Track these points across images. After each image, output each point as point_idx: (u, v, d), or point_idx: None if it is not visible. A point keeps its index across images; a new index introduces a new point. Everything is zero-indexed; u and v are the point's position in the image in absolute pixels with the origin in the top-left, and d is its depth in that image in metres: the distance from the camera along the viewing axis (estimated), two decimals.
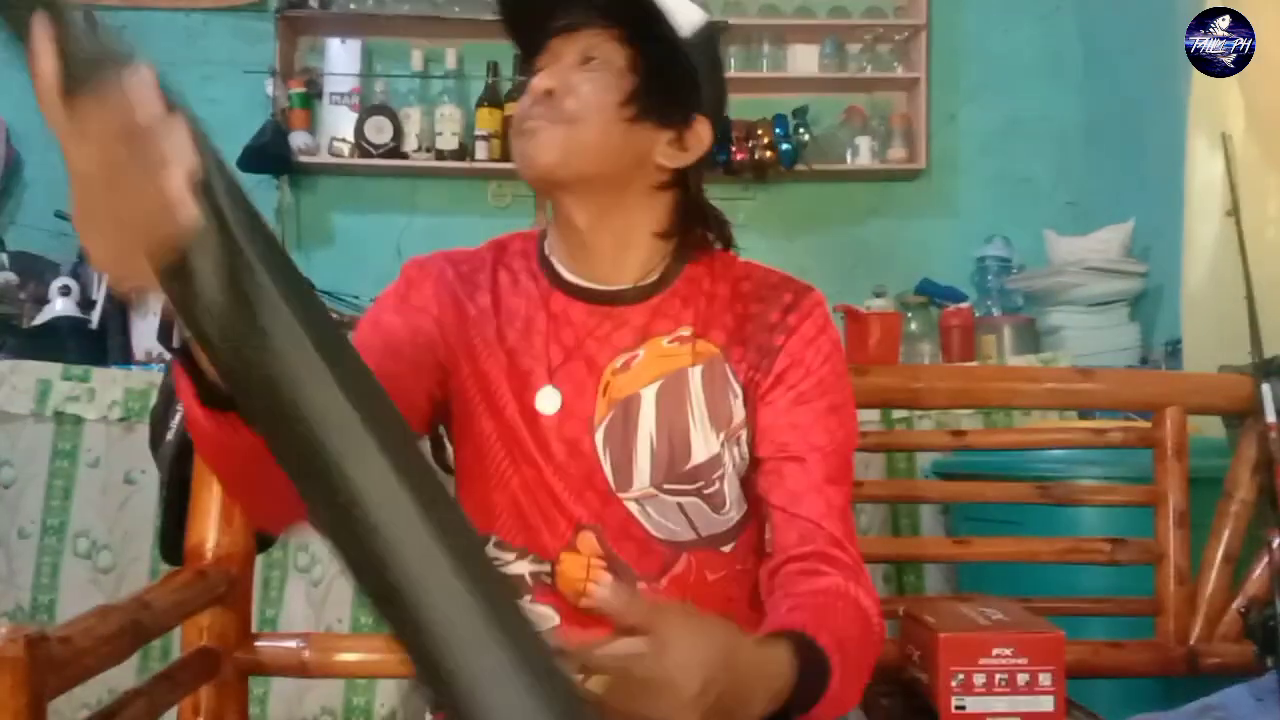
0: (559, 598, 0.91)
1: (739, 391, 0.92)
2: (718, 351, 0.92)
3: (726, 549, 0.93)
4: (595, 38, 0.89)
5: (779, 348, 0.92)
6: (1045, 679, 0.99)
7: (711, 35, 0.92)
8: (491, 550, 0.92)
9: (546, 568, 0.91)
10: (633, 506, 0.90)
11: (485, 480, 0.92)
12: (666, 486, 0.90)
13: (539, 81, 0.88)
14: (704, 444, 0.91)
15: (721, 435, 0.91)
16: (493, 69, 2.81)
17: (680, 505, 0.91)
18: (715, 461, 0.91)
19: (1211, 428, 1.43)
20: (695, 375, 0.91)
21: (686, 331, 0.93)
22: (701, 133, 0.91)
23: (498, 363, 0.92)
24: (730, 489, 0.92)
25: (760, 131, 2.76)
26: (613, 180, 0.90)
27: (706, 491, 0.91)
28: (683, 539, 0.91)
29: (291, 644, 1.19)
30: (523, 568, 0.92)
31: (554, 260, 0.95)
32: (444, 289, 0.94)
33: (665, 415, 0.91)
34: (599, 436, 0.90)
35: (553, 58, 0.90)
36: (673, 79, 0.89)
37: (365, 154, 2.75)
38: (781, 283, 0.96)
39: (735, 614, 0.91)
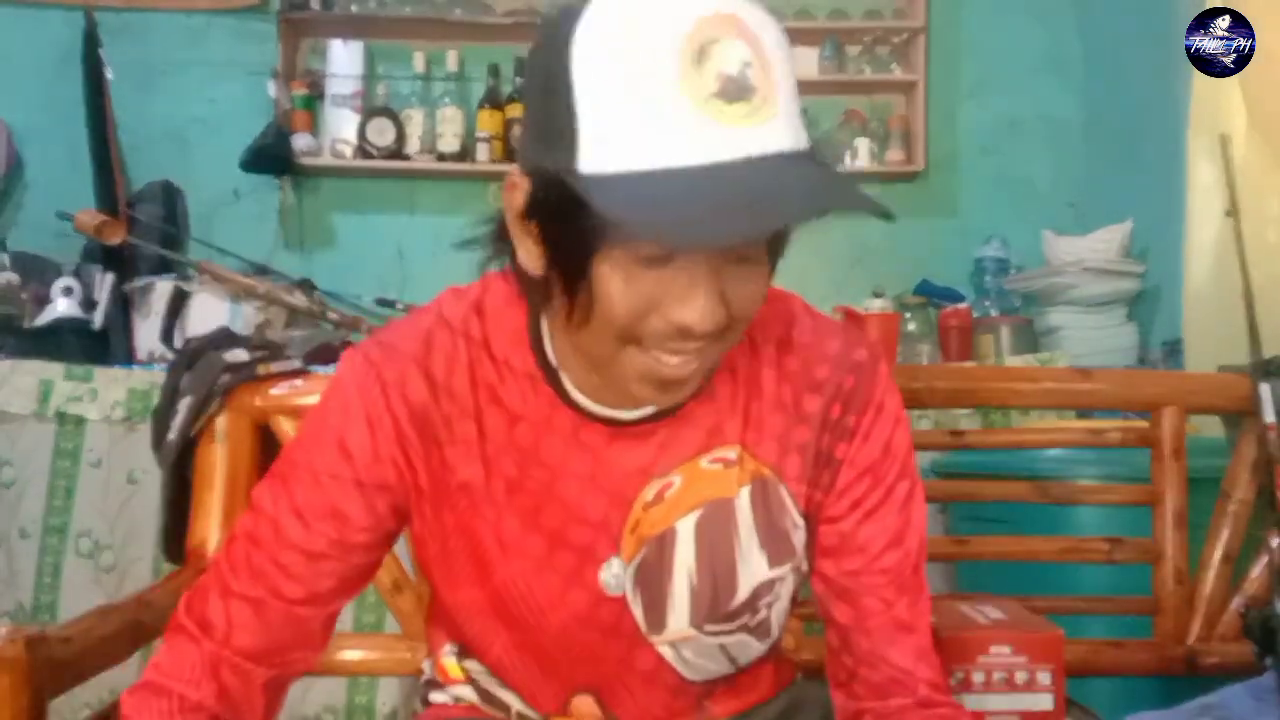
0: None
1: (800, 522, 0.78)
2: (769, 473, 0.77)
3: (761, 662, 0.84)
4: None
5: (840, 460, 0.77)
6: (1044, 678, 0.99)
7: None
8: (489, 673, 0.86)
9: (535, 716, 0.84)
10: (666, 651, 0.79)
11: (464, 640, 0.83)
12: (708, 628, 0.78)
13: (705, 318, 0.62)
14: (752, 576, 0.77)
15: (783, 567, 0.78)
16: (494, 71, 2.82)
17: (723, 645, 0.79)
18: (766, 589, 0.78)
19: (1210, 428, 1.43)
20: (744, 499, 0.76)
21: (732, 453, 0.76)
22: None
23: (484, 518, 0.75)
24: (778, 615, 0.81)
25: None
26: None
27: (752, 624, 0.79)
28: (719, 674, 0.82)
29: None
30: (513, 700, 0.85)
31: (566, 382, 0.74)
32: (411, 443, 0.74)
33: (707, 551, 0.76)
34: (628, 578, 0.77)
35: (689, 258, 0.62)
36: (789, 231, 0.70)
37: (367, 156, 2.76)
38: (836, 355, 0.77)
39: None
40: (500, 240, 0.72)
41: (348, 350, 0.78)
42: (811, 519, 0.79)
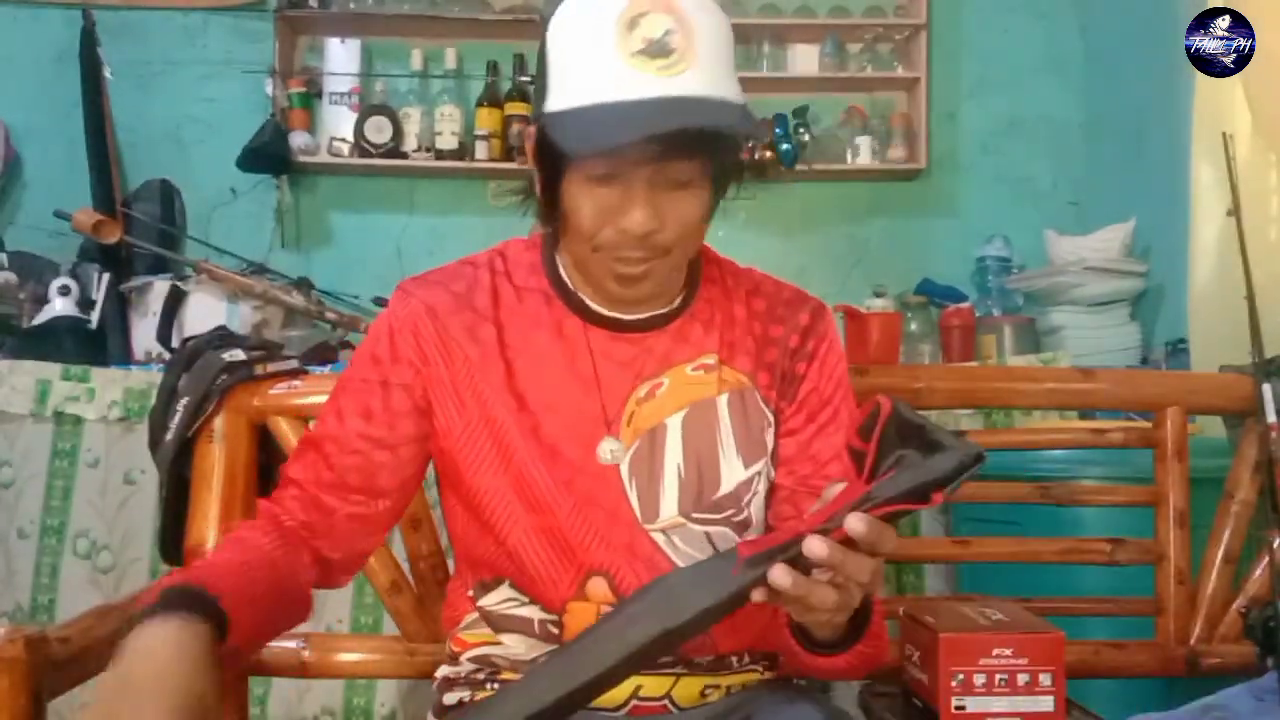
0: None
1: (771, 421, 0.93)
2: (746, 380, 0.92)
3: None
4: (682, 162, 0.81)
5: (801, 376, 0.93)
6: (1045, 679, 0.99)
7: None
8: (508, 590, 0.91)
9: (554, 617, 0.90)
10: (659, 538, 0.89)
11: (488, 531, 0.90)
12: (695, 516, 0.89)
13: (639, 223, 0.81)
14: (733, 473, 0.90)
15: (758, 464, 0.91)
16: (492, 68, 2.81)
17: (708, 535, 0.90)
18: (745, 487, 0.91)
19: (1213, 428, 1.43)
20: (723, 404, 0.91)
21: (711, 360, 0.92)
22: None
23: (506, 406, 0.89)
24: (757, 514, 0.92)
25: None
26: (689, 258, 0.91)
27: (736, 519, 0.90)
28: None
29: (291, 644, 1.19)
30: (533, 613, 0.91)
31: (579, 293, 0.91)
32: (429, 341, 0.90)
33: (693, 444, 0.90)
34: (624, 467, 0.89)
35: (627, 178, 0.81)
36: (734, 169, 0.88)
37: (365, 154, 2.75)
38: (793, 299, 0.96)
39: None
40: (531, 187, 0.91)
41: None
42: (777, 428, 0.93)
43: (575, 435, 0.89)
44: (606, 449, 0.89)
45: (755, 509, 0.91)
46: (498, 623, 0.93)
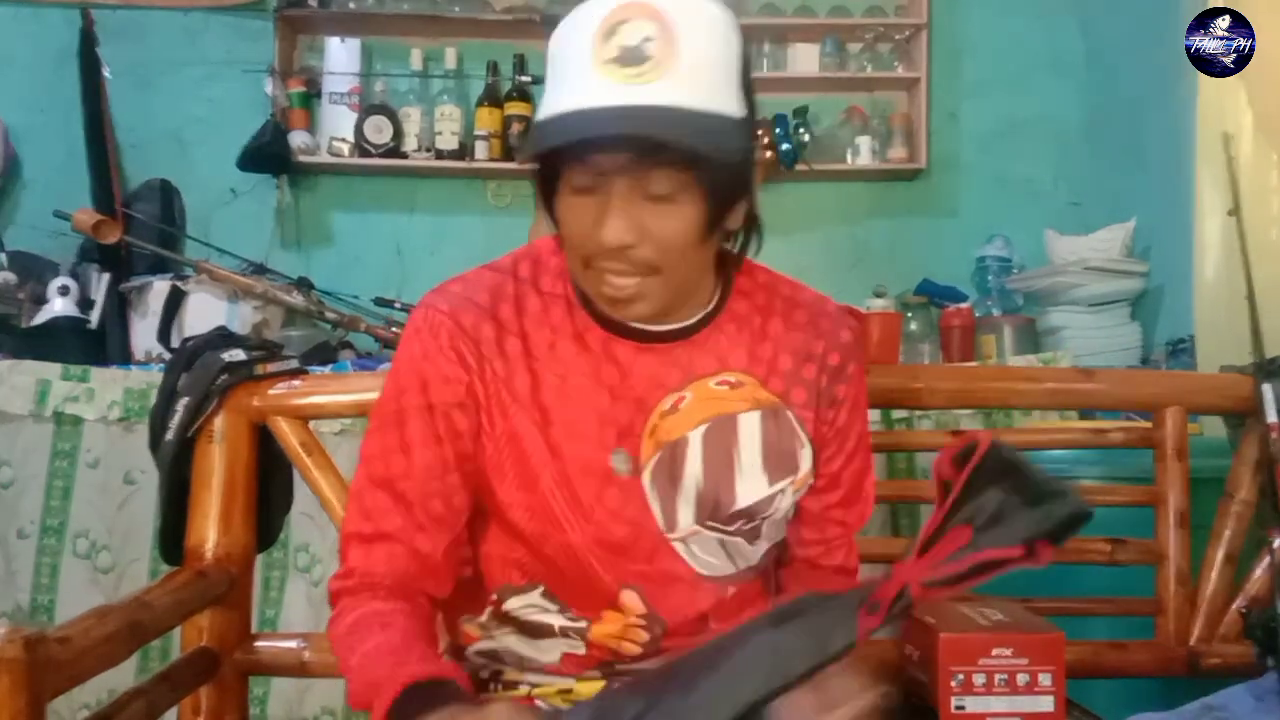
0: (587, 653, 0.92)
1: (806, 442, 0.93)
2: (778, 400, 0.91)
3: (758, 567, 0.96)
4: (659, 172, 0.78)
5: (840, 400, 0.94)
6: (1045, 679, 0.99)
7: (750, 116, 0.83)
8: (538, 599, 0.92)
9: (582, 624, 0.91)
10: (679, 546, 0.91)
11: (522, 542, 0.90)
12: (709, 524, 0.91)
13: (612, 235, 0.79)
14: (752, 489, 0.91)
15: (784, 483, 0.92)
16: (492, 68, 2.81)
17: (720, 541, 0.92)
18: (766, 504, 0.91)
19: (1213, 427, 1.43)
20: (751, 421, 0.90)
21: (733, 377, 0.91)
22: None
23: (532, 420, 0.87)
24: (771, 529, 0.94)
25: (760, 131, 2.75)
26: (691, 277, 0.87)
27: (746, 529, 0.92)
28: (722, 574, 0.93)
29: (291, 644, 1.19)
30: (556, 620, 0.92)
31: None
32: (465, 355, 0.87)
33: (712, 459, 0.90)
34: (645, 478, 0.89)
35: (606, 190, 0.79)
36: (735, 185, 0.83)
37: (365, 154, 2.75)
38: (836, 314, 0.95)
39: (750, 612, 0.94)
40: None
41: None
42: (817, 452, 0.93)
43: (600, 450, 0.88)
44: (620, 462, 0.88)
45: (770, 525, 0.93)
46: (520, 626, 0.93)
